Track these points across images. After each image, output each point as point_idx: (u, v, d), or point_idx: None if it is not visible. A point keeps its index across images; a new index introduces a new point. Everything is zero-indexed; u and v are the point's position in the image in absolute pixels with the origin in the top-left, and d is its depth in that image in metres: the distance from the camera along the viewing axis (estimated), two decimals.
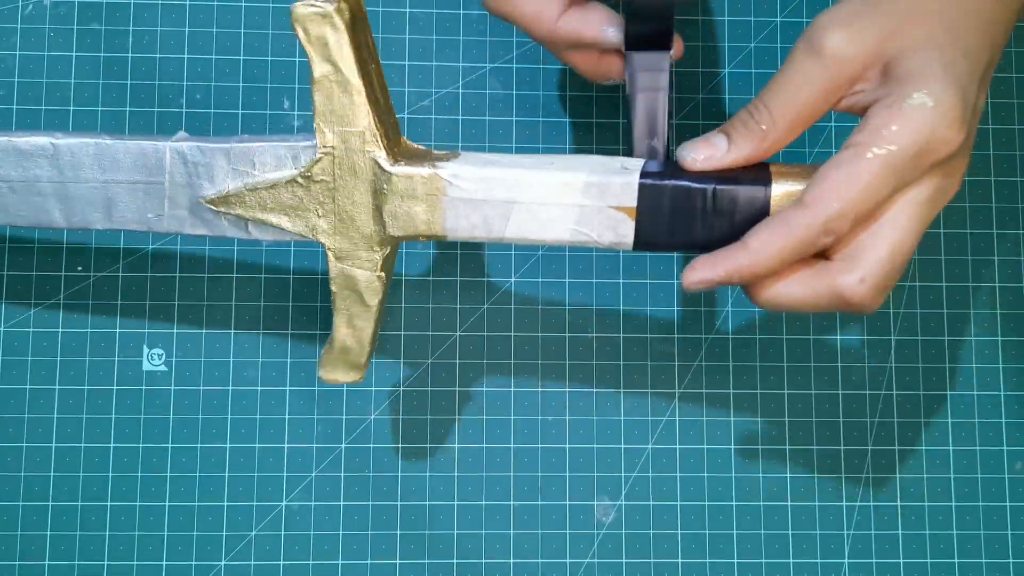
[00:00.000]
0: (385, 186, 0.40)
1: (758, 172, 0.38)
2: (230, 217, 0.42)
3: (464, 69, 0.52)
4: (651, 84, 0.42)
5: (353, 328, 0.42)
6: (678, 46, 0.43)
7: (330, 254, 0.41)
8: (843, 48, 0.35)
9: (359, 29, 0.39)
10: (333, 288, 0.41)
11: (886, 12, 0.36)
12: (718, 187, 0.38)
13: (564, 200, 0.39)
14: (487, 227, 0.40)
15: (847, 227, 0.35)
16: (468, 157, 0.40)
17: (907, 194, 0.35)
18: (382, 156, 0.40)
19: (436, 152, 0.41)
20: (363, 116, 0.39)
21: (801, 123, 0.37)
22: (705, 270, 0.37)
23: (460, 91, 0.52)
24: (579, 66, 0.44)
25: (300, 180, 0.40)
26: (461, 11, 0.52)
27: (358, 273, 0.41)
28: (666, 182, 0.38)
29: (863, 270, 0.35)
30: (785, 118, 0.37)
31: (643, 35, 0.42)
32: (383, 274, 0.41)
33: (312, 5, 0.38)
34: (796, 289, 0.37)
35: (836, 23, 0.36)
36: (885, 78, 0.35)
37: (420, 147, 0.42)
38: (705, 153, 0.38)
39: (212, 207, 0.41)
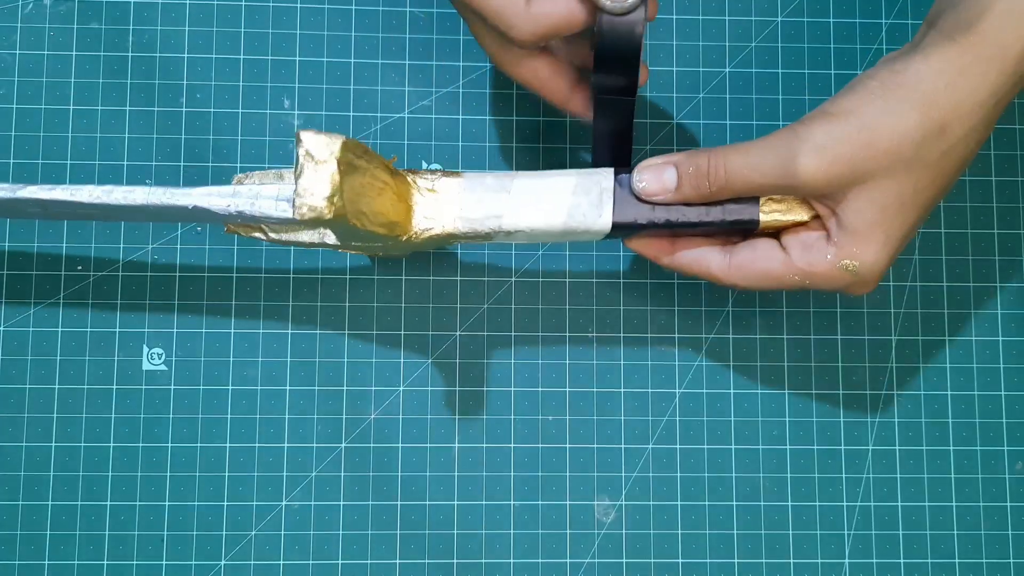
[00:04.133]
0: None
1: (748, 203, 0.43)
2: (253, 237, 0.44)
3: (464, 69, 0.52)
4: (615, 123, 0.44)
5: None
6: (643, 74, 0.43)
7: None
8: (815, 175, 0.40)
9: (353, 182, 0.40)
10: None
11: (862, 147, 0.39)
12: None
13: (558, 199, 0.43)
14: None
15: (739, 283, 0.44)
16: (471, 181, 0.44)
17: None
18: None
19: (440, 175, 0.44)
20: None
21: (747, 195, 0.42)
22: (647, 249, 0.45)
23: (460, 90, 0.52)
24: (550, 94, 0.44)
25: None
26: None
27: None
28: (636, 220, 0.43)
29: (737, 277, 0.44)
30: (735, 187, 0.41)
31: (609, 86, 0.42)
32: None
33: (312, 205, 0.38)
34: (687, 263, 0.45)
35: (821, 146, 0.40)
36: (837, 219, 0.41)
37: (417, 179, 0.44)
38: (655, 188, 0.43)
39: (234, 232, 0.44)
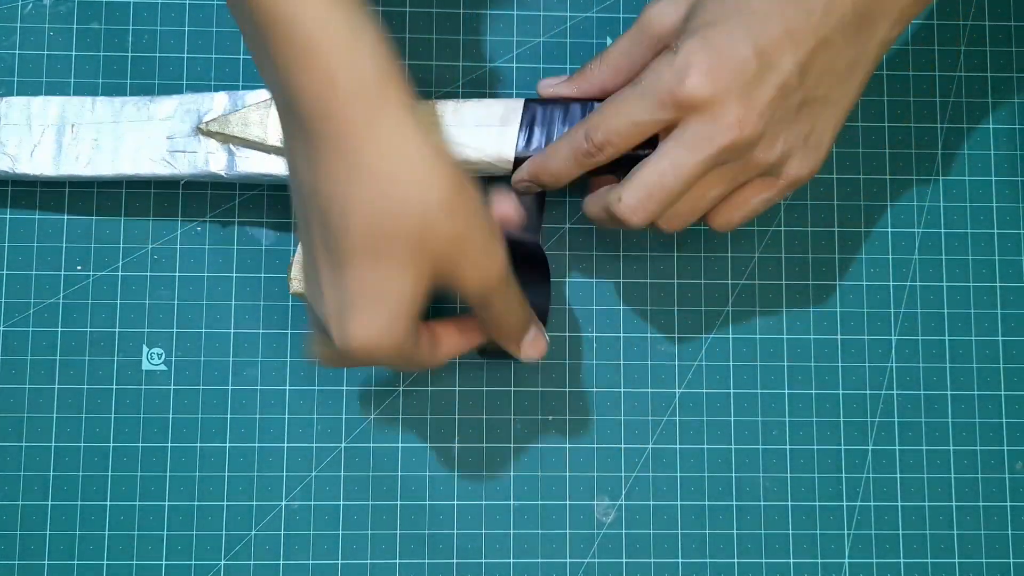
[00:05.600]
0: None
1: None
2: (218, 138, 0.47)
3: (464, 68, 0.52)
4: None
5: None
6: (541, 347, 0.46)
7: None
8: (653, 13, 0.44)
9: None
10: None
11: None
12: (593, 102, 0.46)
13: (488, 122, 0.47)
14: None
15: (599, 137, 0.43)
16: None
17: (670, 135, 0.42)
18: None
19: None
20: None
21: (623, 68, 0.45)
22: (519, 172, 0.46)
23: (460, 91, 0.52)
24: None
25: None
26: (461, 11, 0.52)
27: None
28: (547, 103, 0.47)
29: (622, 191, 0.43)
30: (611, 63, 0.46)
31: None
32: None
33: None
34: (592, 207, 0.46)
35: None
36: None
37: None
38: (550, 82, 0.48)
39: (203, 131, 0.47)
